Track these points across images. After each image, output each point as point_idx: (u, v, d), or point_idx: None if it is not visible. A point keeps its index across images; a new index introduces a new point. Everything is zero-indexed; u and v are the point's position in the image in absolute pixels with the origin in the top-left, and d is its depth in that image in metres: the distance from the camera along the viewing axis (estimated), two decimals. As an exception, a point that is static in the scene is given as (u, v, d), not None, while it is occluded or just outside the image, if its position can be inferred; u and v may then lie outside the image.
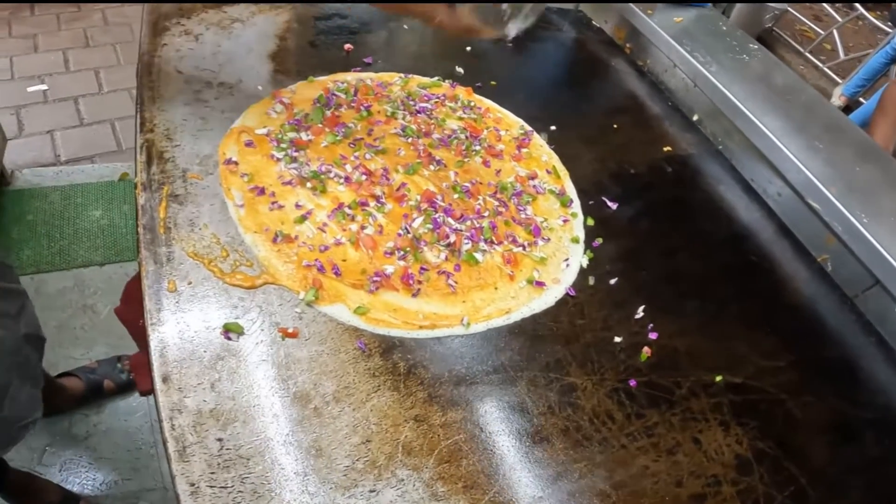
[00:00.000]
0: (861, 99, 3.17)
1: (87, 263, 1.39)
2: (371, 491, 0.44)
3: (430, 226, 0.62)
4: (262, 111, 0.70)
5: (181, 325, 0.50)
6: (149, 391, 0.68)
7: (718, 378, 0.58)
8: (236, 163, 0.63)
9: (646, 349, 0.59)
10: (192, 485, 0.41)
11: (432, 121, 0.75)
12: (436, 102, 0.77)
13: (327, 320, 0.53)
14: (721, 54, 0.93)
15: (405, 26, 0.92)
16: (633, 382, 0.56)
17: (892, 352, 0.67)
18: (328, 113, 0.71)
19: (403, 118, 0.74)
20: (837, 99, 3.28)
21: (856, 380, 0.64)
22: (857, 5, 3.52)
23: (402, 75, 0.81)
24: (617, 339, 0.60)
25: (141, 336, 0.75)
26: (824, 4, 3.80)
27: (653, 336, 0.61)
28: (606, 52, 1.04)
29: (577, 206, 0.72)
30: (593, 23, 1.11)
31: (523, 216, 0.67)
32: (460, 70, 0.87)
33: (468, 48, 0.92)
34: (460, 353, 0.54)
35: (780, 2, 3.47)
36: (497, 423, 0.50)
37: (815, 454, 0.55)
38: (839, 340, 0.68)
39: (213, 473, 0.42)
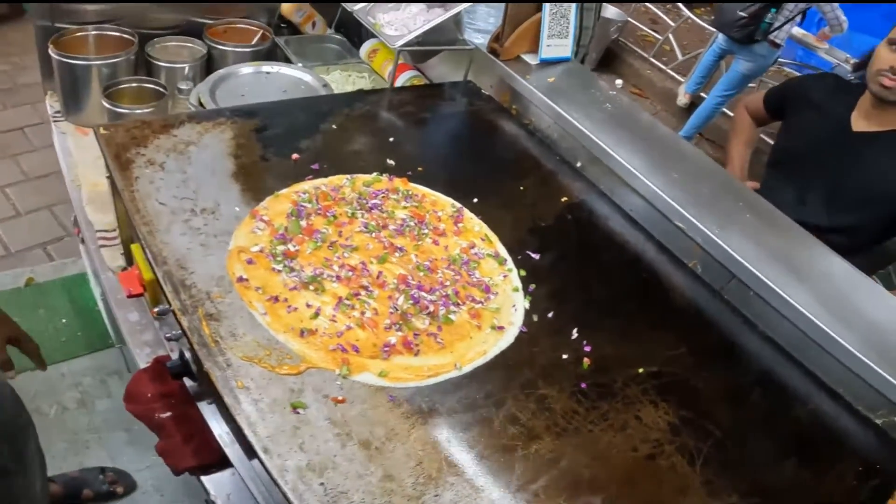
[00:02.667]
0: (702, 94, 3.88)
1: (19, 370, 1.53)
2: (436, 496, 0.72)
3: (412, 301, 0.92)
4: (249, 230, 0.96)
5: (260, 410, 0.75)
6: (185, 470, 0.91)
7: (641, 370, 0.93)
8: (247, 279, 0.89)
9: (585, 359, 0.92)
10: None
11: (384, 214, 1.05)
12: (382, 197, 1.07)
13: (361, 385, 0.81)
14: (589, 106, 1.33)
15: (333, 126, 1.22)
16: (583, 385, 0.89)
17: (756, 327, 1.06)
18: (303, 223, 0.98)
19: (362, 216, 1.03)
20: (683, 97, 3.99)
21: (735, 353, 1.02)
22: (681, 6, 4.29)
23: (348, 177, 1.10)
24: (564, 357, 0.92)
25: (161, 426, 0.97)
26: (656, 10, 4.57)
27: (587, 349, 0.94)
28: (498, 118, 1.40)
29: (510, 262, 1.04)
30: (482, 91, 1.47)
31: (475, 279, 0.99)
32: (391, 162, 1.17)
33: (390, 139, 1.23)
34: (461, 389, 0.84)
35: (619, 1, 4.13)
36: (502, 432, 0.80)
37: (721, 414, 0.90)
38: (717, 325, 1.06)
39: (329, 505, 0.68)
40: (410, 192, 1.11)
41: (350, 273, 0.93)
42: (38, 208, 2.36)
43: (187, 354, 0.98)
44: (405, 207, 1.07)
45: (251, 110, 1.19)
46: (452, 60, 1.51)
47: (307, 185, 1.07)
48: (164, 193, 0.99)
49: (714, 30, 3.75)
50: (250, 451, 0.72)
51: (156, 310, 1.08)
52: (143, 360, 1.12)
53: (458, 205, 1.12)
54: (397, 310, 0.90)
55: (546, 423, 0.83)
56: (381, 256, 0.97)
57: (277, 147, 1.13)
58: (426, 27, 1.37)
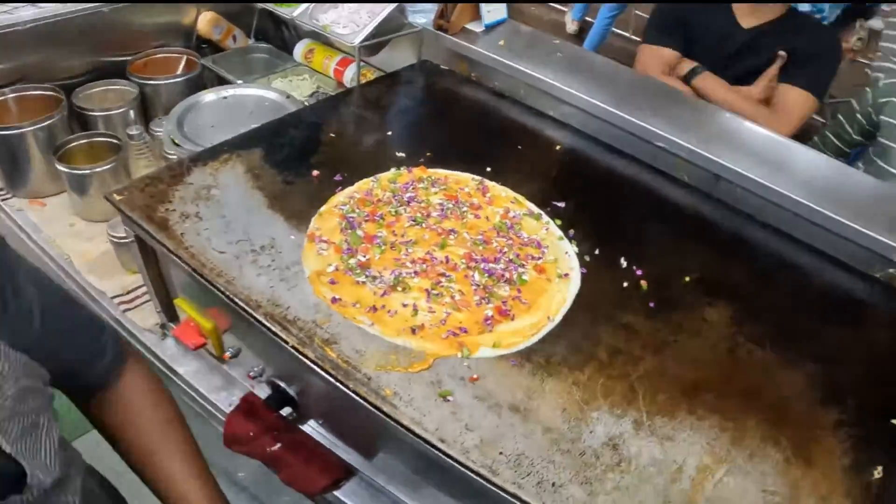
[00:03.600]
0: (588, 19, 4.10)
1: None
2: (591, 432, 0.84)
3: (487, 274, 1.02)
4: (314, 253, 1.02)
5: (417, 408, 0.83)
6: (321, 491, 0.97)
7: (687, 279, 1.08)
8: (340, 299, 0.95)
9: (642, 282, 1.06)
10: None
11: (422, 203, 1.13)
12: (413, 189, 1.15)
13: (484, 360, 0.91)
14: (545, 58, 1.44)
15: (331, 135, 1.26)
16: (652, 304, 1.03)
17: (753, 218, 1.23)
18: (360, 233, 1.05)
19: (405, 211, 1.10)
20: (571, 24, 4.20)
21: (747, 245, 1.19)
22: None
23: (373, 178, 1.17)
24: (625, 284, 1.06)
25: (276, 458, 1.03)
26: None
27: (639, 273, 1.08)
28: (467, 89, 1.49)
29: (544, 216, 1.16)
30: (441, 66, 1.54)
31: (524, 239, 1.10)
32: (401, 154, 1.24)
33: (388, 133, 1.30)
34: (561, 337, 0.95)
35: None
36: (610, 363, 0.92)
37: (763, 299, 1.06)
38: (722, 225, 1.23)
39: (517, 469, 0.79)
40: (433, 178, 1.18)
41: (423, 266, 1.01)
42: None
43: (283, 385, 1.05)
44: (436, 193, 1.15)
45: (247, 139, 1.21)
46: (399, 46, 1.57)
47: (341, 196, 1.12)
48: (217, 242, 1.01)
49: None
50: (421, 446, 0.81)
51: (227, 353, 1.12)
52: (224, 404, 1.16)
53: (478, 177, 1.21)
54: (479, 285, 1.00)
55: (640, 346, 0.96)
56: (440, 243, 1.05)
57: (293, 169, 1.17)
58: (378, 20, 1.42)
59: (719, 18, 1.74)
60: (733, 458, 0.83)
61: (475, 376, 0.88)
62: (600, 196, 1.24)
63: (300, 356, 0.89)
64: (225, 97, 1.45)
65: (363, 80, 1.56)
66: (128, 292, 1.30)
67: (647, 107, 1.34)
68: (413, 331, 0.92)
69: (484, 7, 1.51)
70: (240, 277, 0.96)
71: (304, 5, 1.52)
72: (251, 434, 1.07)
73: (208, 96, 1.45)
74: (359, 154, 1.23)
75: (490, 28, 1.53)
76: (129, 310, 1.28)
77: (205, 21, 1.77)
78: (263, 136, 1.22)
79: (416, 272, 1.00)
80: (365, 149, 1.25)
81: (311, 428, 1.08)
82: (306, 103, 1.51)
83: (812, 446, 0.86)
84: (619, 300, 1.03)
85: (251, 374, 1.10)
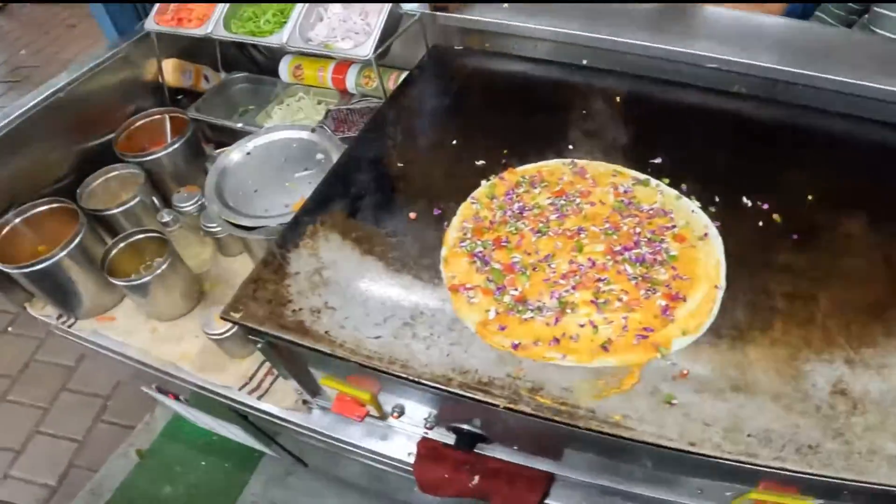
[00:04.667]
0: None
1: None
2: (812, 384, 0.87)
3: (637, 263, 1.03)
4: (466, 304, 1.00)
5: (650, 422, 0.85)
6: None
7: (809, 197, 1.11)
8: (519, 343, 0.95)
9: (774, 216, 1.09)
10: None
11: (534, 210, 1.11)
12: (516, 197, 1.13)
13: (681, 351, 0.93)
14: (558, 10, 1.40)
15: (399, 164, 1.22)
16: (794, 236, 1.06)
17: (816, 109, 1.26)
18: (497, 266, 1.04)
19: (525, 225, 1.09)
20: None
21: (829, 138, 1.22)
22: None
23: (470, 200, 1.14)
24: (760, 224, 1.08)
25: (482, 489, 1.06)
26: None
27: (766, 207, 1.10)
28: (493, 63, 1.44)
29: (651, 179, 1.16)
30: (454, 48, 1.48)
31: (648, 211, 1.10)
32: (480, 162, 1.21)
33: (453, 142, 1.26)
34: (735, 301, 0.97)
35: None
36: (793, 310, 0.95)
37: (870, 194, 1.11)
38: (802, 125, 1.25)
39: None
40: (527, 177, 1.17)
41: (575, 277, 1.02)
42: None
43: (467, 427, 1.06)
44: (540, 192, 1.14)
45: (319, 202, 1.16)
46: (403, 39, 1.49)
47: (453, 232, 1.10)
48: (365, 328, 0.98)
49: None
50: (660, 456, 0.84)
51: (395, 413, 1.13)
52: (401, 454, 1.19)
53: (568, 160, 1.20)
54: (636, 278, 1.01)
55: (808, 283, 0.99)
56: (576, 247, 1.05)
57: (386, 218, 1.13)
58: (381, 23, 1.35)
59: None
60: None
61: (684, 371, 0.90)
62: (685, 137, 1.24)
63: (516, 413, 0.90)
64: (248, 153, 1.38)
65: (373, 85, 1.49)
66: (250, 378, 1.29)
67: (678, 31, 1.33)
68: (604, 348, 0.93)
69: (474, -30, 1.43)
70: (411, 358, 0.95)
71: (288, 29, 1.42)
72: (446, 476, 1.10)
73: (233, 157, 1.37)
74: (439, 176, 1.20)
75: (486, -10, 1.47)
76: (262, 396, 1.27)
77: (169, 70, 1.65)
78: (333, 192, 1.17)
79: (573, 287, 1.00)
80: (441, 168, 1.21)
81: (498, 449, 1.10)
82: (327, 128, 1.44)
83: None
84: (764, 242, 1.05)
85: (427, 424, 1.11)
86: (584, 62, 1.39)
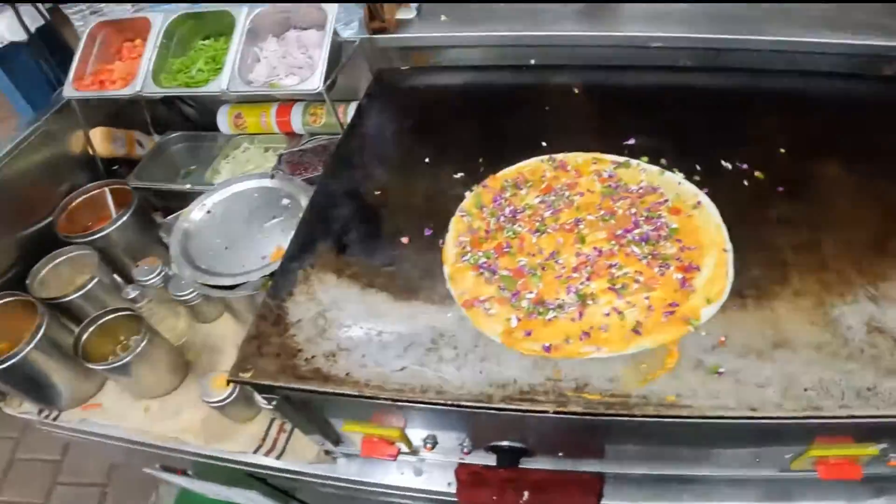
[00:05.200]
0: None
1: None
2: (849, 328, 0.89)
3: (642, 241, 1.03)
4: (485, 317, 0.97)
5: (703, 395, 0.85)
6: None
7: (782, 150, 1.15)
8: (551, 345, 0.93)
9: (756, 173, 1.12)
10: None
11: (527, 211, 1.11)
12: (504, 202, 1.12)
13: (712, 320, 0.93)
14: (492, 13, 1.43)
15: (375, 192, 1.19)
16: (780, 189, 1.09)
17: (762, 70, 1.31)
18: (508, 273, 1.02)
19: (521, 227, 1.08)
20: None
21: (786, 95, 1.27)
22: None
23: (459, 214, 1.12)
24: (745, 183, 1.11)
25: None
26: None
27: (746, 167, 1.13)
28: (445, 78, 1.44)
29: (631, 160, 1.17)
30: (401, 68, 1.47)
31: (636, 191, 1.11)
32: (458, 175, 1.20)
33: (425, 160, 1.24)
34: (745, 260, 0.98)
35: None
36: (799, 259, 0.97)
37: (842, 143, 1.16)
38: (755, 86, 1.30)
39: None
40: (511, 180, 1.16)
41: (587, 268, 1.01)
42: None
43: (507, 443, 1.04)
44: (527, 193, 1.14)
45: (304, 245, 1.11)
46: (347, 68, 1.47)
47: (451, 248, 1.08)
48: (387, 364, 0.93)
49: None
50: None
51: (427, 445, 1.09)
52: (440, 486, 1.16)
53: (545, 157, 1.20)
54: (646, 256, 1.01)
55: (808, 231, 1.02)
56: (578, 238, 1.05)
57: (378, 249, 1.10)
58: (326, 53, 1.32)
59: None
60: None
61: (721, 339, 0.90)
62: (650, 115, 1.26)
63: (568, 416, 0.87)
64: (209, 211, 1.32)
65: (320, 122, 1.47)
66: (263, 439, 1.22)
67: (611, 19, 1.38)
68: (636, 332, 0.93)
69: (410, -11, 1.43)
70: (444, 382, 0.92)
71: (226, 73, 1.37)
72: (494, 499, 1.07)
73: (193, 218, 1.30)
74: (420, 197, 1.17)
75: (419, 7, 1.47)
76: (280, 454, 1.20)
77: (98, 140, 1.57)
78: (314, 233, 1.13)
79: (587, 278, 1.00)
80: (420, 189, 1.19)
81: (542, 459, 1.08)
82: (284, 171, 1.40)
83: None
84: (755, 201, 1.08)
85: (464, 449, 1.07)
86: (533, 62, 1.41)
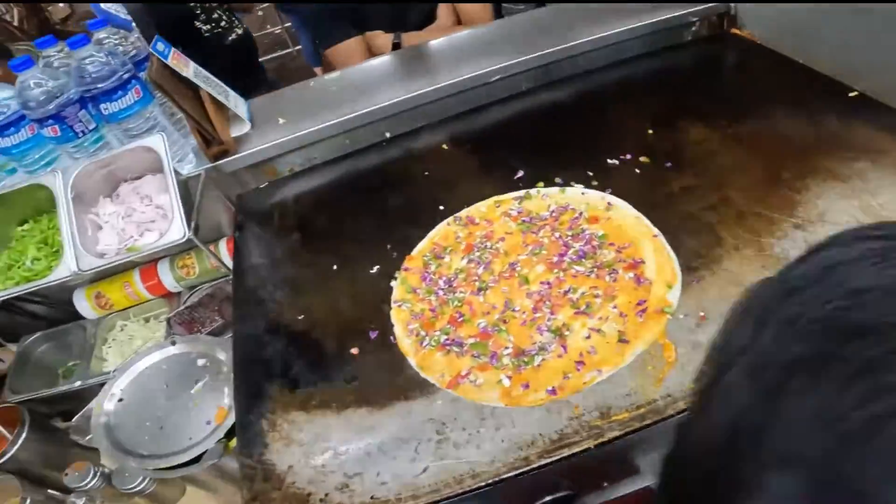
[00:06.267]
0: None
1: None
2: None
3: (580, 258, 1.07)
4: (475, 389, 0.95)
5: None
6: None
7: (650, 131, 1.25)
8: (554, 388, 0.93)
9: (642, 159, 1.21)
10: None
11: (461, 275, 1.11)
12: (433, 274, 1.12)
13: (683, 300, 0.98)
14: (340, 98, 1.44)
15: (299, 317, 1.14)
16: (668, 164, 1.19)
17: (600, 68, 1.44)
18: (475, 340, 1.01)
19: (464, 293, 1.08)
20: None
21: (638, 84, 1.40)
22: None
23: (399, 304, 1.10)
24: (637, 171, 1.20)
25: None
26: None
27: (629, 157, 1.22)
28: (302, 183, 1.41)
29: (531, 191, 1.22)
30: (257, 187, 1.43)
31: (548, 216, 1.16)
32: (375, 268, 1.18)
33: (334, 266, 1.21)
34: (676, 237, 1.06)
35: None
36: (724, 211, 1.07)
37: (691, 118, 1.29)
38: (595, 87, 1.42)
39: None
40: (428, 254, 1.16)
41: (545, 304, 1.02)
42: None
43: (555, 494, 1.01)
44: (451, 259, 1.14)
45: (248, 397, 1.03)
46: (205, 204, 1.40)
47: (404, 341, 1.04)
48: (406, 471, 0.87)
49: None
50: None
51: None
52: None
53: (449, 219, 1.21)
54: (590, 270, 1.05)
55: (711, 191, 1.12)
56: (522, 281, 1.07)
57: (331, 370, 1.03)
58: (177, 196, 1.25)
59: None
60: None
61: (701, 314, 0.95)
62: (525, 144, 1.33)
63: (611, 443, 0.87)
64: (120, 399, 1.19)
65: (195, 273, 1.38)
66: None
67: (448, 64, 1.44)
68: (623, 341, 0.95)
69: (231, 103, 1.40)
70: (475, 464, 0.88)
71: (70, 254, 1.24)
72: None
73: (108, 409, 1.17)
74: (347, 305, 1.13)
75: (251, 118, 1.44)
76: None
77: None
78: (255, 380, 1.05)
79: (551, 312, 1.01)
80: (343, 297, 1.14)
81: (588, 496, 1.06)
82: (176, 338, 1.30)
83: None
84: (654, 183, 1.17)
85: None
86: (388, 134, 1.43)
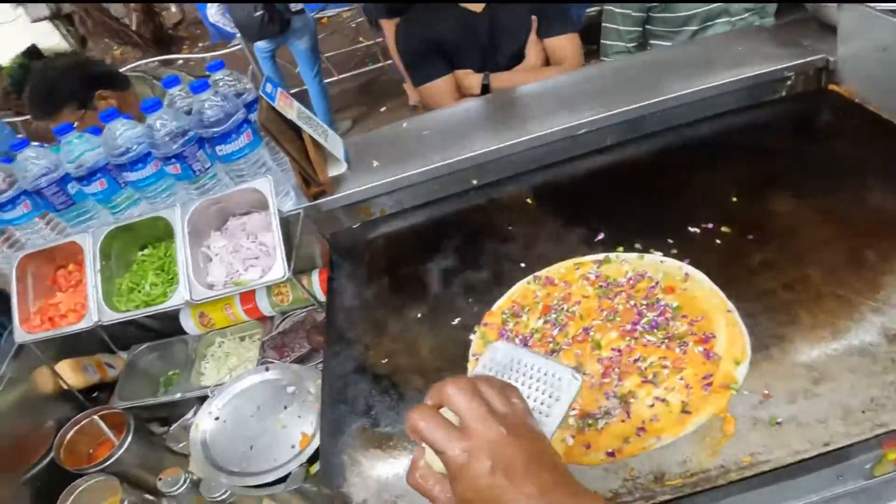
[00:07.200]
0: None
1: None
2: (871, 344, 1.01)
3: (653, 329, 1.13)
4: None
5: (778, 447, 0.93)
6: None
7: (734, 199, 1.30)
8: (613, 451, 1.00)
9: (723, 230, 1.26)
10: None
11: (538, 334, 1.20)
12: (513, 328, 1.21)
13: (748, 379, 1.03)
14: (417, 143, 1.56)
15: (383, 362, 1.25)
16: (750, 237, 1.23)
17: (677, 127, 1.50)
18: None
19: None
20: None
21: (698, 147, 1.45)
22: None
23: (474, 357, 1.20)
24: (718, 242, 1.25)
25: None
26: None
27: (710, 226, 1.27)
28: (396, 224, 1.54)
29: (611, 255, 1.29)
30: (352, 227, 1.55)
31: (627, 283, 1.23)
32: (457, 319, 1.28)
33: (418, 315, 1.31)
34: (749, 311, 1.10)
35: None
36: (799, 290, 1.11)
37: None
38: (684, 143, 1.48)
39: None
40: (507, 311, 1.25)
41: (614, 371, 1.09)
42: None
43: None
44: (528, 319, 1.22)
45: (331, 434, 1.16)
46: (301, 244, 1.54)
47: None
48: None
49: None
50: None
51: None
52: None
53: (529, 278, 1.30)
54: (661, 341, 1.11)
55: (791, 267, 1.15)
56: (594, 346, 1.14)
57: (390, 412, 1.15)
58: (280, 237, 1.39)
59: (455, 15, 1.99)
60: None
61: (765, 392, 1.00)
62: (605, 204, 1.40)
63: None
64: (217, 418, 1.34)
65: (289, 300, 1.53)
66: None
67: (537, 114, 1.53)
68: (686, 412, 1.01)
69: (329, 144, 1.53)
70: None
71: (184, 283, 1.40)
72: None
73: (205, 427, 1.33)
74: (427, 353, 1.23)
75: (348, 159, 1.57)
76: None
77: (68, 373, 1.57)
78: (339, 418, 1.17)
79: (619, 379, 1.08)
80: (424, 345, 1.25)
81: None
82: (272, 359, 1.45)
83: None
84: (732, 255, 1.21)
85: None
86: (475, 182, 1.53)
